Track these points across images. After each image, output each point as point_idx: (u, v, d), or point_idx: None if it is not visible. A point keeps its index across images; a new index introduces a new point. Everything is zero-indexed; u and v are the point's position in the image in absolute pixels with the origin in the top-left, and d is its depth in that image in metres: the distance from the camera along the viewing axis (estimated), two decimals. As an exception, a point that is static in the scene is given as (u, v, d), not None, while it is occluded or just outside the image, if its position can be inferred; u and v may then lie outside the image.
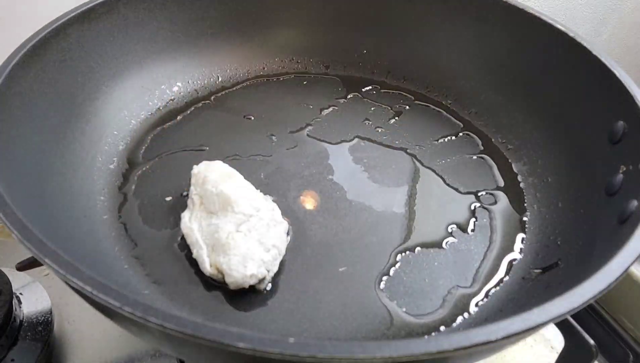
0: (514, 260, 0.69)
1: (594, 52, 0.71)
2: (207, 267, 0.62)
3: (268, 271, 0.62)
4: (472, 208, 0.75)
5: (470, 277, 0.66)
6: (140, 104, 0.85)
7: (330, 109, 0.91)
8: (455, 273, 0.67)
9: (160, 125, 0.85)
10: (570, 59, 0.75)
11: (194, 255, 0.64)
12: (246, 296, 0.62)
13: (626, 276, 0.47)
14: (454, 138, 0.87)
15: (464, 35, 0.89)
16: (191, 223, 0.66)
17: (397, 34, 0.96)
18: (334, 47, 0.98)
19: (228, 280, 0.60)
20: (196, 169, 0.71)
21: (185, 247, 0.66)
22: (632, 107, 0.64)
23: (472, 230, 0.72)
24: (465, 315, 0.63)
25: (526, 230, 0.72)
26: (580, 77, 0.74)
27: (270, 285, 0.63)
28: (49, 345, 0.69)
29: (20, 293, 0.74)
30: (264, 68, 0.97)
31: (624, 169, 0.63)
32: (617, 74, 0.67)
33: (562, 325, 0.70)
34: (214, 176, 0.69)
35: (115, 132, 0.80)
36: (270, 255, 0.62)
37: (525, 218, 0.74)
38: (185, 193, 0.72)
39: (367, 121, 0.89)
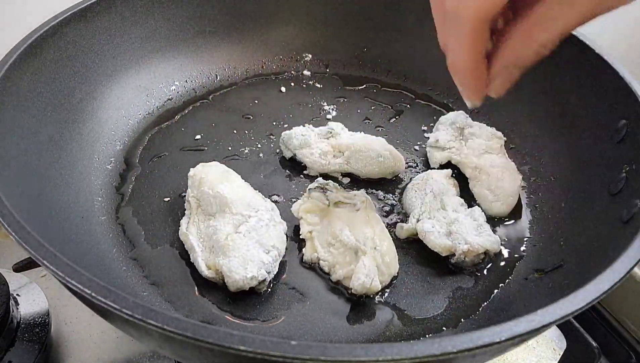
0: (517, 260, 0.68)
1: (597, 51, 0.71)
2: (204, 271, 0.62)
3: (268, 272, 0.61)
4: (474, 208, 0.75)
5: (472, 279, 0.66)
6: (138, 103, 0.84)
7: (330, 108, 0.90)
8: (458, 275, 0.66)
9: (158, 125, 0.84)
10: (573, 57, 0.75)
11: (192, 260, 0.64)
12: (246, 298, 0.61)
13: (629, 277, 0.47)
14: (454, 137, 0.86)
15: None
16: (188, 230, 0.65)
17: (397, 32, 0.95)
18: (334, 45, 0.97)
19: (228, 282, 0.60)
20: (192, 171, 0.70)
21: (184, 248, 0.65)
22: (635, 106, 0.64)
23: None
24: (468, 316, 0.62)
25: (529, 230, 0.72)
26: (583, 76, 0.74)
27: (270, 286, 0.62)
28: (46, 347, 0.69)
29: (18, 295, 0.73)
30: (262, 67, 0.97)
31: (627, 168, 0.63)
32: (621, 73, 0.67)
33: (565, 326, 0.70)
34: (211, 177, 0.68)
35: (113, 133, 0.79)
36: (270, 256, 0.62)
37: (528, 219, 0.73)
38: (183, 194, 0.72)
39: (367, 121, 0.89)
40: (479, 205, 0.74)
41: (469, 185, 0.76)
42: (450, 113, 0.86)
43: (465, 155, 0.78)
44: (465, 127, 0.82)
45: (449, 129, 0.82)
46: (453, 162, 0.79)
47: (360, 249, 0.61)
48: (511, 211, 0.74)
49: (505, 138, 0.81)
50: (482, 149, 0.79)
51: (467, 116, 0.84)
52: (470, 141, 0.80)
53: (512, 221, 0.73)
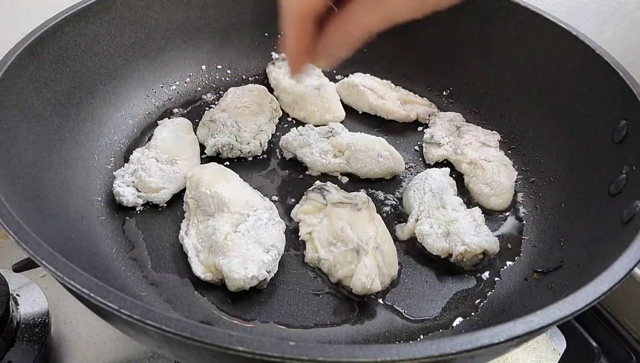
0: (517, 261, 0.68)
1: (597, 51, 0.71)
2: (200, 275, 0.62)
3: (268, 272, 0.61)
4: (474, 208, 0.74)
5: (472, 279, 0.66)
6: (138, 103, 0.84)
7: (330, 108, 0.90)
8: (458, 275, 0.66)
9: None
10: (573, 57, 0.75)
11: (189, 262, 0.64)
12: (245, 297, 0.61)
13: (629, 277, 0.47)
14: (455, 137, 0.86)
15: (466, 34, 0.89)
16: (187, 233, 0.65)
17: (397, 33, 0.94)
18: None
19: (228, 282, 0.60)
20: (189, 173, 0.70)
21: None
22: (635, 106, 0.64)
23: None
24: (468, 317, 0.62)
25: (529, 231, 0.72)
26: (583, 76, 0.74)
27: (269, 285, 0.62)
28: (46, 347, 0.69)
29: (17, 295, 0.73)
30: (263, 67, 0.96)
31: (627, 169, 0.62)
32: (621, 73, 0.67)
33: (565, 326, 0.70)
34: (208, 177, 0.68)
35: (113, 132, 0.79)
36: (270, 255, 0.62)
37: (528, 219, 0.73)
38: (182, 194, 0.71)
39: (367, 121, 0.88)
40: (476, 203, 0.74)
41: (465, 181, 0.77)
42: (448, 112, 0.87)
43: (461, 150, 0.79)
44: (462, 125, 0.83)
45: (446, 124, 0.84)
46: (449, 159, 0.80)
47: (363, 248, 0.61)
48: (509, 208, 0.75)
49: (500, 135, 0.83)
50: (480, 142, 0.80)
51: (464, 120, 0.87)
52: (466, 135, 0.81)
53: (512, 221, 0.73)
